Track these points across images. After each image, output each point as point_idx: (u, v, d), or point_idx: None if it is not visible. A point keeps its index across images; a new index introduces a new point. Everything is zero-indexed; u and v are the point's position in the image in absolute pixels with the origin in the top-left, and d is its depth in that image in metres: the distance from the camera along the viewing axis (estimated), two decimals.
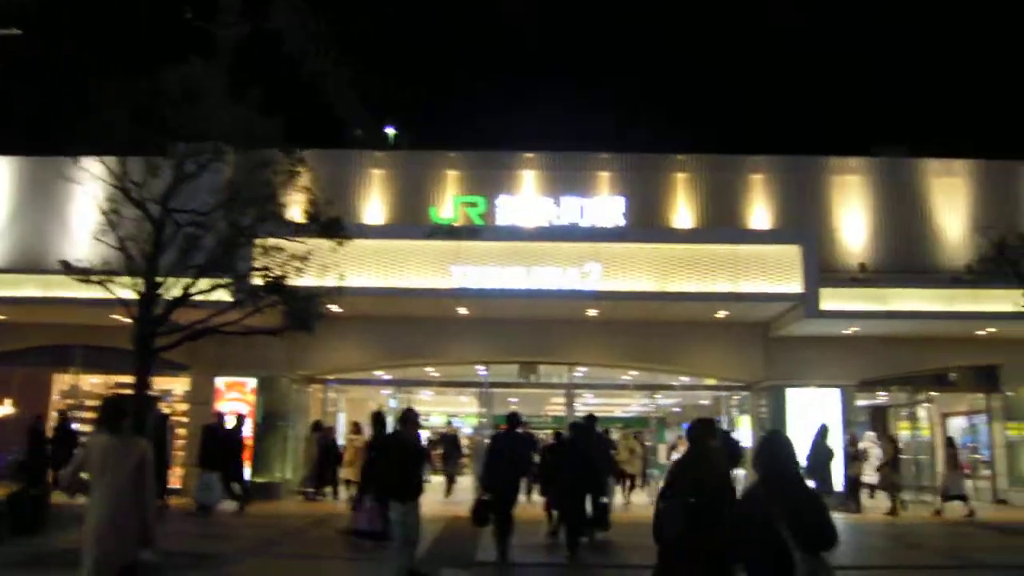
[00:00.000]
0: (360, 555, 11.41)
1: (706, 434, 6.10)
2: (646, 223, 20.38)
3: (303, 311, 12.05)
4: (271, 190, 12.11)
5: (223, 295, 12.46)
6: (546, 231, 19.30)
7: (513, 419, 12.95)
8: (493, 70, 68.66)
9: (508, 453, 12.12)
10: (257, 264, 12.34)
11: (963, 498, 18.21)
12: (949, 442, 19.95)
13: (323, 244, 12.88)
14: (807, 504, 5.09)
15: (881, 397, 26.29)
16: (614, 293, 17.93)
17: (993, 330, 19.30)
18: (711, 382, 22.51)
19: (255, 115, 11.57)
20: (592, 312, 19.21)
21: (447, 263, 18.03)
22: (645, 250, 18.20)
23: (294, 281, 12.34)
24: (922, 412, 26.54)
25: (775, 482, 5.21)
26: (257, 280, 12.27)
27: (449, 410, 32.03)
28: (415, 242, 18.08)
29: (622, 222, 20.02)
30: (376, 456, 10.78)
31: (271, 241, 12.33)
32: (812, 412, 19.57)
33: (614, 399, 31.48)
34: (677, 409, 33.92)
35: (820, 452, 16.85)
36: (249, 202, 12.01)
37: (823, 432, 16.97)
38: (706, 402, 28.56)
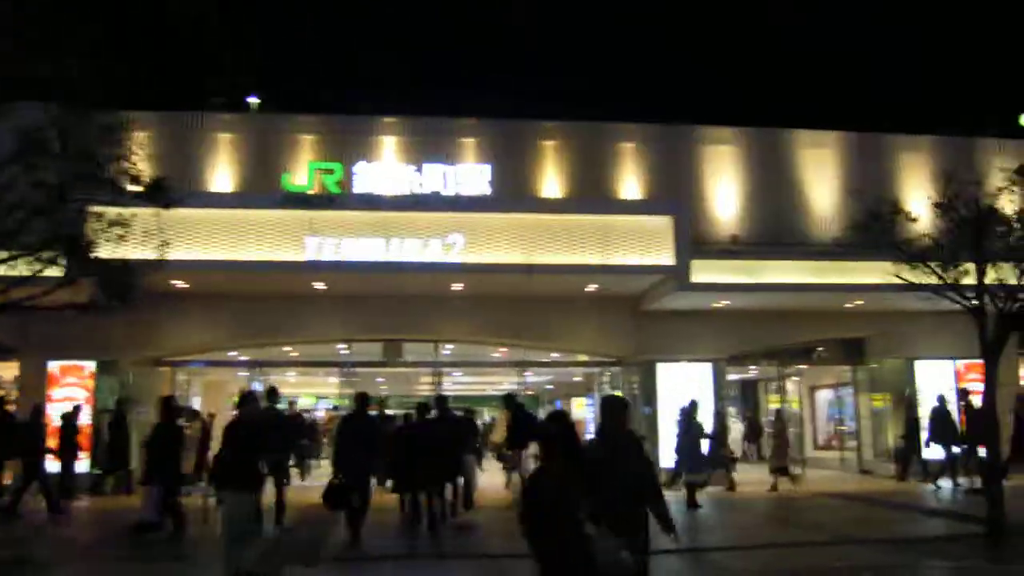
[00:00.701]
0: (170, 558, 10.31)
1: (619, 412, 6.06)
2: (513, 192, 19.51)
3: (119, 284, 10.70)
4: (89, 147, 10.65)
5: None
6: (407, 200, 18.21)
7: (361, 400, 12.57)
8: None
9: (358, 435, 11.95)
10: (70, 231, 10.90)
11: (785, 471, 18.40)
12: (777, 415, 20.01)
13: (152, 212, 11.59)
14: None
15: (751, 372, 26.45)
16: (479, 265, 17.03)
17: (860, 302, 19.30)
18: (583, 358, 21.99)
19: (75, 61, 10.07)
20: (457, 286, 18.31)
21: (301, 234, 16.78)
22: (511, 220, 17.36)
23: (117, 252, 10.97)
24: (791, 385, 26.94)
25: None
26: (67, 249, 10.84)
27: (319, 391, 30.80)
28: (266, 211, 16.82)
29: (488, 191, 19.12)
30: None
31: (96, 208, 10.96)
32: (683, 387, 19.27)
33: (486, 377, 30.79)
34: (550, 387, 33.57)
35: (690, 429, 16.50)
36: (59, 159, 10.55)
37: (692, 408, 16.58)
38: (579, 379, 28.20)
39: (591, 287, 18.51)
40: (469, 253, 17.00)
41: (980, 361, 21.55)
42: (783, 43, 70.15)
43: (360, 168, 19.06)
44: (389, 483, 13.42)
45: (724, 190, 20.61)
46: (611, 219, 17.57)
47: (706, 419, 17.70)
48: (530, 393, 37.80)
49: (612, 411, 6.06)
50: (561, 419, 5.40)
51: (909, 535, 12.47)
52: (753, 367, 24.83)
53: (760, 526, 14.15)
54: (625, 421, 6.07)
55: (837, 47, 66.32)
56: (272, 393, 13.89)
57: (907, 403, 19.90)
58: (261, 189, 18.81)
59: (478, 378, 31.60)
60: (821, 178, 20.93)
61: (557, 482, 4.76)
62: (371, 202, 17.64)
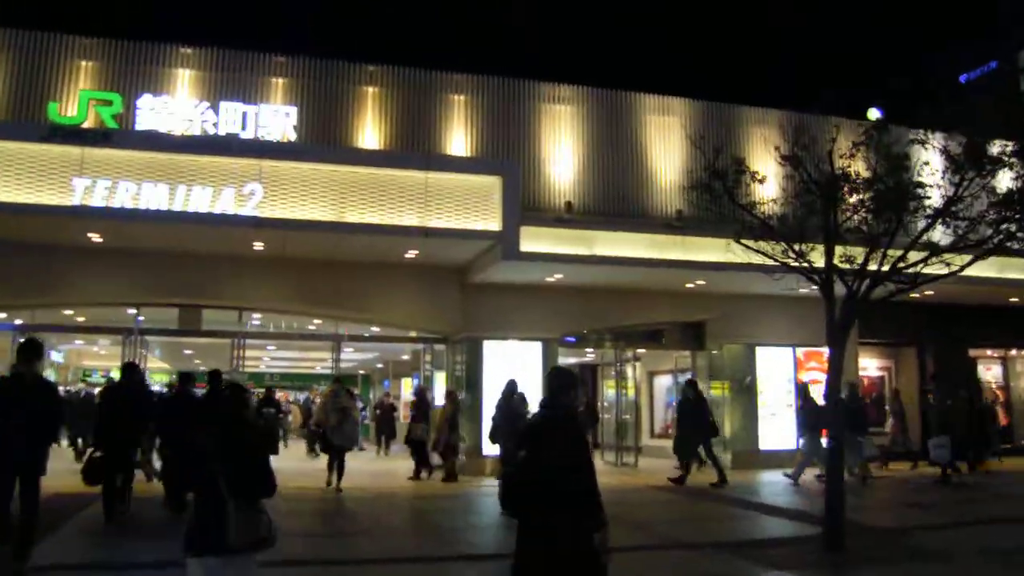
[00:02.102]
0: None
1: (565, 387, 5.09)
2: (323, 140, 17.45)
3: None
4: None
5: None
6: (198, 141, 15.92)
7: (128, 370, 12.18)
8: None
9: (121, 407, 11.33)
10: None
11: None
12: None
13: None
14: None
15: (589, 355, 25.28)
16: (279, 221, 14.94)
17: (702, 282, 18.23)
18: (412, 334, 20.18)
19: None
20: (258, 245, 16.16)
21: (68, 175, 14.31)
22: (320, 172, 15.31)
23: None
24: (630, 370, 25.91)
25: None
26: None
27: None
28: (28, 145, 14.31)
29: (293, 136, 17.00)
30: None
31: None
32: (510, 368, 17.78)
33: (310, 353, 28.73)
34: (380, 365, 31.74)
35: (508, 411, 15.11)
36: None
37: (511, 389, 15.04)
38: (406, 357, 26.48)
39: (411, 253, 16.71)
40: (268, 207, 14.88)
41: (820, 349, 21.28)
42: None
43: (144, 102, 16.55)
44: None
45: (562, 153, 19.04)
46: (433, 176, 15.74)
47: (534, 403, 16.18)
48: (363, 372, 36.09)
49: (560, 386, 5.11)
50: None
51: (740, 537, 11.23)
52: (591, 350, 23.63)
53: None
54: (568, 399, 5.12)
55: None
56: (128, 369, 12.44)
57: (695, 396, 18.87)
58: (23, 118, 16.15)
59: (300, 353, 29.47)
60: (667, 148, 19.65)
61: None
62: (154, 141, 15.31)
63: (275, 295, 17.59)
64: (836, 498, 9.75)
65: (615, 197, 18.87)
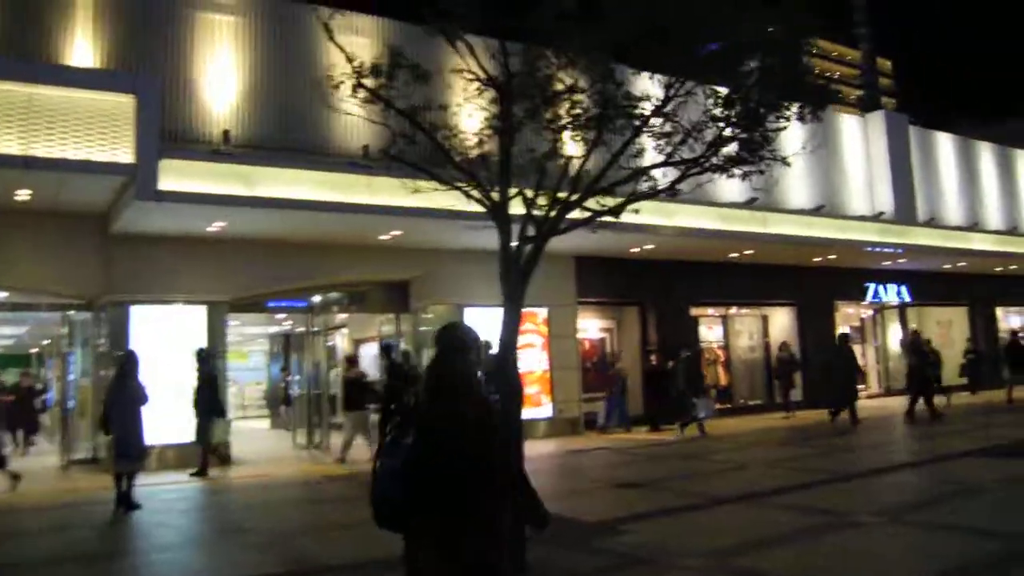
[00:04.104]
0: None
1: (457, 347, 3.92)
2: None
3: None
4: None
5: None
6: None
7: None
8: None
9: None
10: None
11: None
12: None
13: None
14: None
15: (286, 323, 22.60)
16: None
17: (398, 233, 15.93)
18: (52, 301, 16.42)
19: None
20: None
21: None
22: None
23: None
24: (339, 338, 23.54)
25: None
26: None
27: None
28: None
29: None
30: None
31: None
32: (165, 338, 14.78)
33: None
34: (47, 340, 27.14)
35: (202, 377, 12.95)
36: None
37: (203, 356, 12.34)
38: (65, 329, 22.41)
39: (23, 193, 13.18)
40: None
41: (536, 310, 19.66)
42: None
43: None
44: None
45: (222, 73, 15.78)
46: (42, 91, 12.27)
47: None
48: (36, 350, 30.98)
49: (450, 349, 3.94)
50: None
51: None
52: (284, 316, 20.90)
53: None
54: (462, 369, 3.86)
55: None
56: None
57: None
58: None
59: None
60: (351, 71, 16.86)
61: None
62: None
63: None
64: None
65: (287, 128, 15.95)
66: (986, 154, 30.18)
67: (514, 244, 7.95)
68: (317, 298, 18.49)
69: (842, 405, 18.95)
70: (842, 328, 23.18)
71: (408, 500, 3.64)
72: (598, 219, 8.58)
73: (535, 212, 8.29)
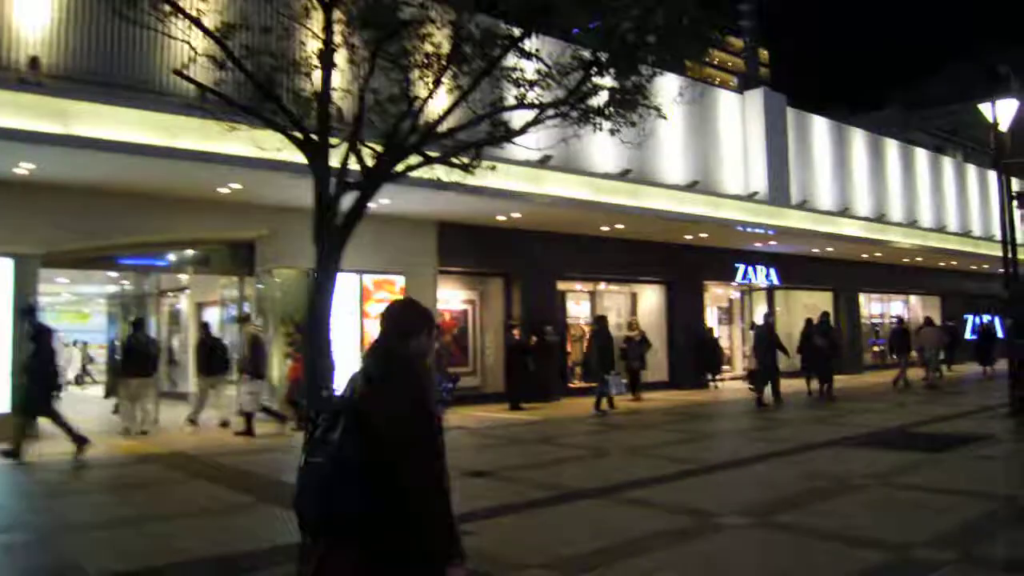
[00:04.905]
0: None
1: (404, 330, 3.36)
2: None
3: None
4: None
5: None
6: None
7: None
8: None
9: None
10: None
11: None
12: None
13: None
14: None
15: (125, 283, 20.92)
16: None
17: (237, 187, 14.56)
18: None
19: None
20: None
21: None
22: None
23: None
24: (184, 301, 22.05)
25: None
26: None
27: None
28: None
29: None
30: None
31: None
32: None
33: None
34: None
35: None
36: None
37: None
38: None
39: None
40: None
41: (392, 277, 18.55)
42: None
43: None
44: None
45: None
46: None
47: None
48: None
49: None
50: None
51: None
52: (120, 276, 19.21)
53: None
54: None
55: None
56: None
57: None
58: None
59: None
60: None
61: None
62: None
63: None
64: None
65: (110, 61, 14.16)
66: (859, 140, 30.45)
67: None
68: (157, 258, 16.95)
69: (761, 385, 18.80)
70: (760, 310, 22.71)
71: (328, 509, 3.04)
72: (435, 166, 7.53)
73: (367, 160, 7.19)
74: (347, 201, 7.02)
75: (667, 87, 18.00)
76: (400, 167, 7.38)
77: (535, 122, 7.61)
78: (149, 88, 14.09)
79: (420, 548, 3.02)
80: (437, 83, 7.37)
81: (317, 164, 6.79)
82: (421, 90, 7.77)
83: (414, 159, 7.52)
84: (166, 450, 12.88)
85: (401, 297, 3.09)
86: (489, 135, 7.71)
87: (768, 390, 18.50)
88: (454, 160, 7.49)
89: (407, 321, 3.40)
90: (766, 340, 19.09)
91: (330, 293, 6.81)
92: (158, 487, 10.28)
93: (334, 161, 7.07)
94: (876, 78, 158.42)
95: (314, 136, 6.88)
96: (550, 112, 7.69)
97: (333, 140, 7.15)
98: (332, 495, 2.98)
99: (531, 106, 7.52)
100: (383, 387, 3.16)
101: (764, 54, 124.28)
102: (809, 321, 20.80)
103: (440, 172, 8.31)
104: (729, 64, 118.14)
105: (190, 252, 17.12)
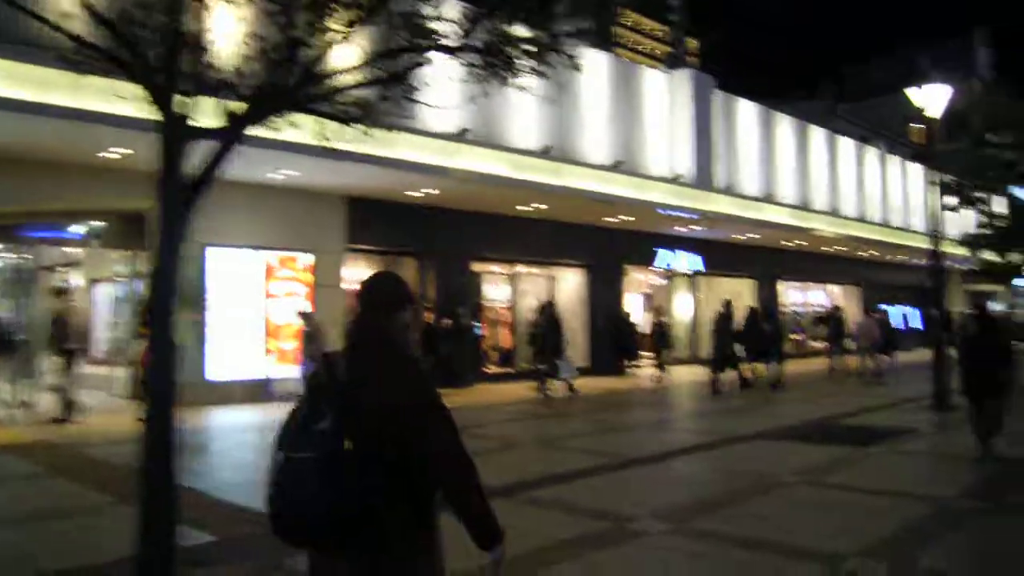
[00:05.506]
0: None
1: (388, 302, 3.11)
2: None
3: None
4: None
5: None
6: None
7: None
8: None
9: None
10: None
11: None
12: None
13: None
14: None
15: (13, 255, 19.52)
16: None
17: (127, 151, 13.43)
18: None
19: None
20: None
21: None
22: None
23: None
24: (77, 276, 20.78)
25: None
26: None
27: None
28: None
29: None
30: None
31: None
32: None
33: None
34: None
35: None
36: None
37: None
38: None
39: None
40: None
41: (295, 254, 17.56)
42: None
43: None
44: None
45: None
46: None
47: None
48: None
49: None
50: None
51: None
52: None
53: None
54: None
55: None
56: None
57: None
58: None
59: None
60: None
61: None
62: None
63: None
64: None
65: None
66: (785, 126, 30.23)
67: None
68: (43, 230, 15.75)
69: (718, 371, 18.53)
70: (725, 297, 22.02)
71: (326, 509, 2.77)
72: (326, 123, 6.64)
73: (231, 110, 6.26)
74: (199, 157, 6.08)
75: (593, 63, 17.34)
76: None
77: (417, 64, 6.69)
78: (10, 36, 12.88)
79: (481, 531, 2.93)
80: (314, 24, 6.42)
81: (166, 115, 5.84)
82: (303, 34, 6.84)
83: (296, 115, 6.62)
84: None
85: (383, 272, 2.59)
86: (378, 81, 6.78)
87: (723, 376, 18.36)
88: (335, 111, 6.57)
89: (392, 294, 3.15)
90: (724, 327, 18.79)
91: (173, 271, 5.92)
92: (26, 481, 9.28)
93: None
94: (804, 70, 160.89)
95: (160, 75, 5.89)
96: (445, 56, 6.81)
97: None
98: (335, 493, 2.72)
99: (424, 49, 6.63)
100: (383, 377, 2.91)
101: (692, 43, 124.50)
102: (753, 309, 20.40)
103: (332, 132, 7.41)
104: (657, 51, 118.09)
105: (81, 223, 15.94)
